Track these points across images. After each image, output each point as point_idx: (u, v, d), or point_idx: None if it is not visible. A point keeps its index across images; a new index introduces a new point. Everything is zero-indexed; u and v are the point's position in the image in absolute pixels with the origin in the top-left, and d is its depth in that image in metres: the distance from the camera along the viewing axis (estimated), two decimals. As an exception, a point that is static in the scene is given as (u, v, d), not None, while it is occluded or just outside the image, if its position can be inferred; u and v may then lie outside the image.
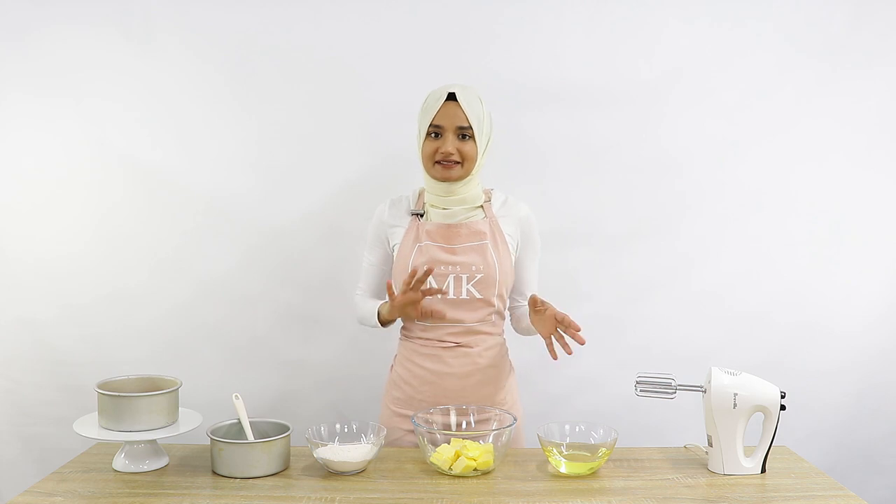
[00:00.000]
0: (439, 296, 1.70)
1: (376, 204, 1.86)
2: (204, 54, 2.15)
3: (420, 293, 1.64)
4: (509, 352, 1.86)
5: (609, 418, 1.71)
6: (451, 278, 1.72)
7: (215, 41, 2.14)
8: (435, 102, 1.70)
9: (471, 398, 1.74)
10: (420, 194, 1.84)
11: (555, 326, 1.59)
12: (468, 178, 1.74)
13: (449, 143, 1.69)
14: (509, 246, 1.77)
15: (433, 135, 1.71)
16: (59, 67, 2.13)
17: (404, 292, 1.64)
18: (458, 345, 1.75)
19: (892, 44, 2.17)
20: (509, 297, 1.83)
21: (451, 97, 1.69)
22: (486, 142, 1.75)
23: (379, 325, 1.79)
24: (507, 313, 1.84)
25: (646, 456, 1.63)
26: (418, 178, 1.83)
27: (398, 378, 1.82)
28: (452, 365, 1.75)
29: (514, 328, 1.88)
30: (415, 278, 1.61)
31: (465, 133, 1.70)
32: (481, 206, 1.78)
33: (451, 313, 1.73)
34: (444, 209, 1.76)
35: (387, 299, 1.76)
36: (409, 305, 1.66)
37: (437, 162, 1.71)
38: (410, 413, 1.73)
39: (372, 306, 1.80)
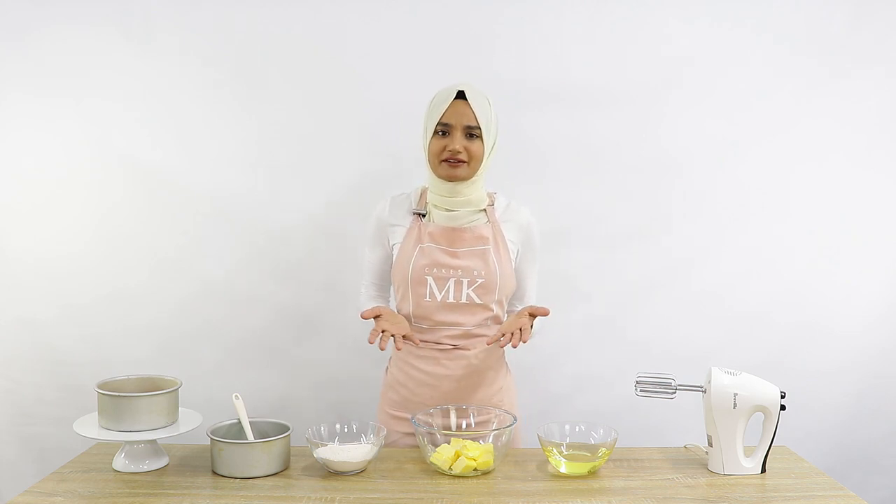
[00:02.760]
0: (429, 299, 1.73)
1: (377, 204, 1.85)
2: (204, 54, 2.15)
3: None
4: (506, 354, 1.86)
5: (609, 418, 1.70)
6: (451, 282, 1.71)
7: (215, 41, 2.14)
8: (444, 100, 1.68)
9: (467, 400, 1.74)
10: (422, 193, 1.81)
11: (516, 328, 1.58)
12: (473, 179, 1.73)
13: (457, 141, 1.68)
14: (510, 252, 1.76)
15: (441, 133, 1.69)
16: (59, 67, 2.13)
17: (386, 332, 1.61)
18: (455, 347, 1.75)
19: (891, 44, 2.17)
20: (507, 303, 1.83)
21: (461, 95, 1.68)
22: (493, 143, 1.73)
23: None
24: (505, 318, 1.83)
25: (646, 456, 1.63)
26: (418, 178, 1.82)
27: (394, 381, 1.81)
28: (449, 367, 1.74)
29: None
30: (403, 337, 1.62)
31: (472, 132, 1.69)
32: (484, 210, 1.77)
33: (449, 316, 1.72)
34: (448, 210, 1.74)
35: (382, 302, 1.82)
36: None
37: (443, 160, 1.70)
38: (407, 415, 1.73)
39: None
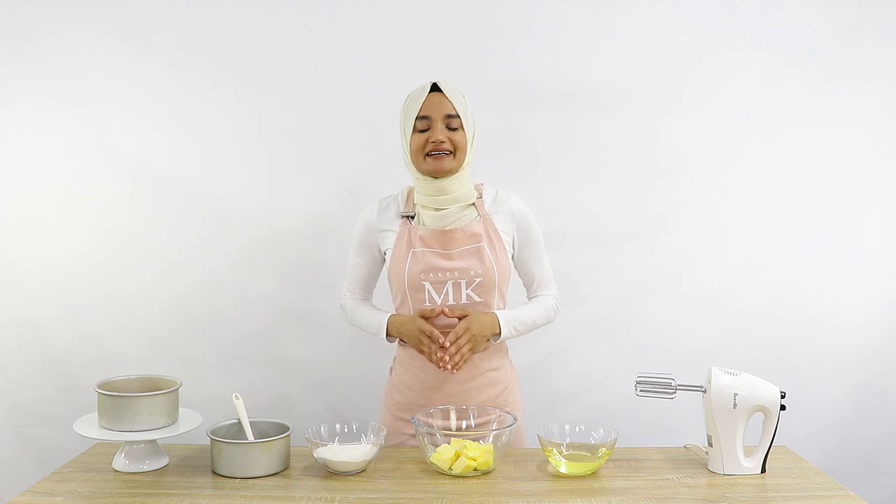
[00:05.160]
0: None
1: (364, 208, 1.83)
2: (205, 56, 2.15)
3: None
4: (509, 351, 1.86)
5: (609, 418, 1.71)
6: (449, 284, 1.70)
7: (216, 43, 2.14)
8: (419, 95, 1.68)
9: (473, 401, 1.73)
10: (409, 195, 1.80)
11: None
12: (459, 172, 1.70)
13: (439, 132, 1.66)
14: (505, 243, 1.74)
15: (421, 129, 1.68)
16: (61, 70, 2.13)
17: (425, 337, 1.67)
18: None
19: (891, 45, 2.17)
20: (525, 289, 1.82)
21: (435, 88, 1.68)
22: (473, 135, 1.72)
23: (385, 339, 1.77)
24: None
25: (646, 456, 1.63)
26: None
27: (399, 383, 1.80)
28: None
29: None
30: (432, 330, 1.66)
31: (452, 123, 1.68)
32: (473, 204, 1.74)
33: (451, 319, 1.70)
34: (437, 210, 1.72)
35: (385, 310, 1.79)
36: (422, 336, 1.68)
37: (428, 154, 1.68)
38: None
39: (375, 319, 1.77)
